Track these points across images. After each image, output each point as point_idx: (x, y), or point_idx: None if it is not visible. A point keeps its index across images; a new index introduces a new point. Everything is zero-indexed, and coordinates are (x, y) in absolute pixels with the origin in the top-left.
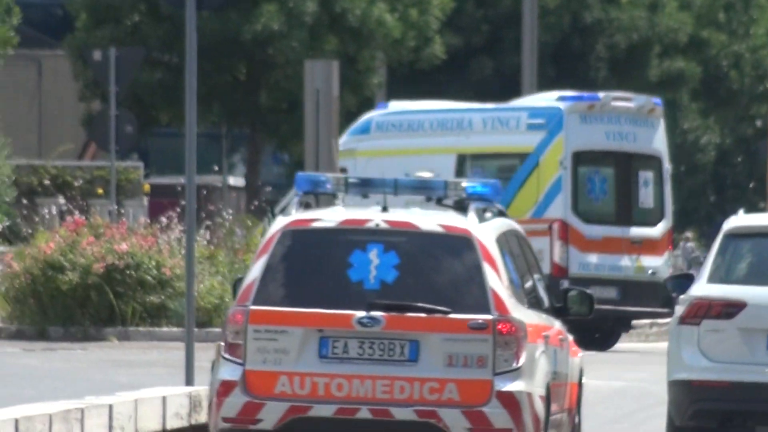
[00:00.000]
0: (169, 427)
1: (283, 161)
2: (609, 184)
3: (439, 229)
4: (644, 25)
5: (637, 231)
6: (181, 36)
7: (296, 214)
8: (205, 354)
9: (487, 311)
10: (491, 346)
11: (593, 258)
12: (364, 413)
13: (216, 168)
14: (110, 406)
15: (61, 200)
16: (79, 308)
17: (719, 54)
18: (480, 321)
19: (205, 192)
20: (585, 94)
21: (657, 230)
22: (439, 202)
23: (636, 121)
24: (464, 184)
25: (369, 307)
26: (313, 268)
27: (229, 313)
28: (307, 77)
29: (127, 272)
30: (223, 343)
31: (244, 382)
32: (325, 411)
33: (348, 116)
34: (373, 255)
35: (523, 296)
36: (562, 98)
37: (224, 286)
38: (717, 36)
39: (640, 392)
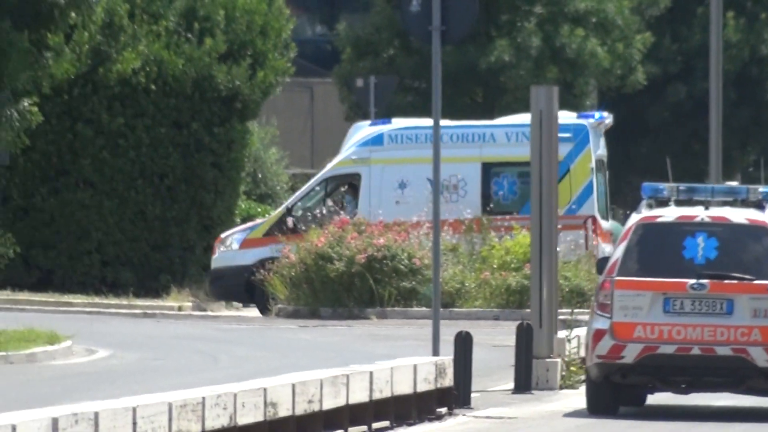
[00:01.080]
0: (419, 390)
1: None
2: (605, 186)
3: (745, 222)
4: None
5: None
6: (428, 66)
7: (645, 212)
8: (448, 330)
9: None
10: None
11: (607, 247)
12: (695, 350)
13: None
14: (371, 373)
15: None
16: (345, 292)
17: None
18: None
19: None
20: (595, 113)
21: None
22: (743, 202)
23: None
24: (761, 189)
25: (698, 277)
26: (658, 250)
27: (600, 282)
28: (532, 100)
29: (384, 262)
30: (595, 304)
31: (612, 330)
32: (668, 349)
33: None
34: (700, 240)
35: None
36: (583, 116)
37: (464, 274)
38: None
39: None
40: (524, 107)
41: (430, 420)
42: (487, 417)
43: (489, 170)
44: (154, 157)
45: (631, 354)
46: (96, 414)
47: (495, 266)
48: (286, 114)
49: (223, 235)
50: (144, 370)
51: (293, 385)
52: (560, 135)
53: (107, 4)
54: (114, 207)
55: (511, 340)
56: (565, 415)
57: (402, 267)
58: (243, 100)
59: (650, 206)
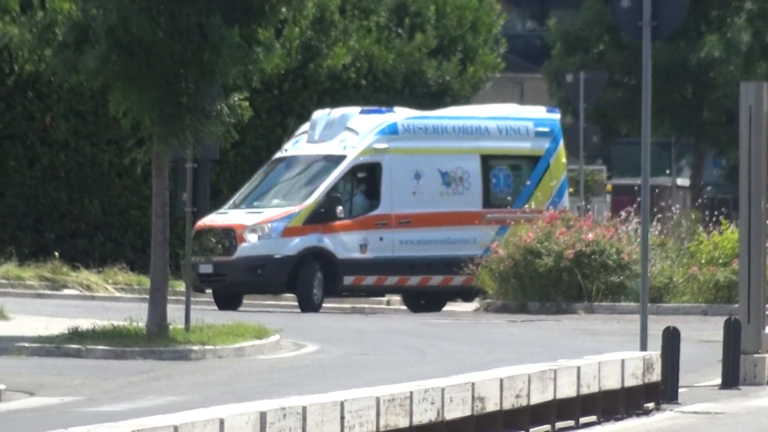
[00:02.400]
0: (626, 385)
1: (722, 165)
2: None
3: None
4: None
5: None
6: (639, 61)
7: None
8: (656, 325)
9: None
10: None
11: None
12: None
13: (667, 171)
14: (578, 368)
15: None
16: (553, 287)
17: None
18: None
19: (656, 191)
20: (556, 108)
21: None
22: None
23: None
24: None
25: None
26: None
27: None
28: (741, 96)
29: (593, 257)
30: None
31: None
32: None
33: None
34: None
35: None
36: (551, 110)
37: (672, 269)
38: None
39: None
40: (733, 103)
41: (638, 415)
42: (695, 412)
43: (487, 163)
44: None
45: None
46: (304, 408)
47: (703, 261)
48: None
49: (248, 223)
50: (351, 364)
51: (501, 380)
52: (541, 130)
53: None
54: None
55: (719, 336)
56: None
57: (610, 262)
58: (453, 95)
59: None
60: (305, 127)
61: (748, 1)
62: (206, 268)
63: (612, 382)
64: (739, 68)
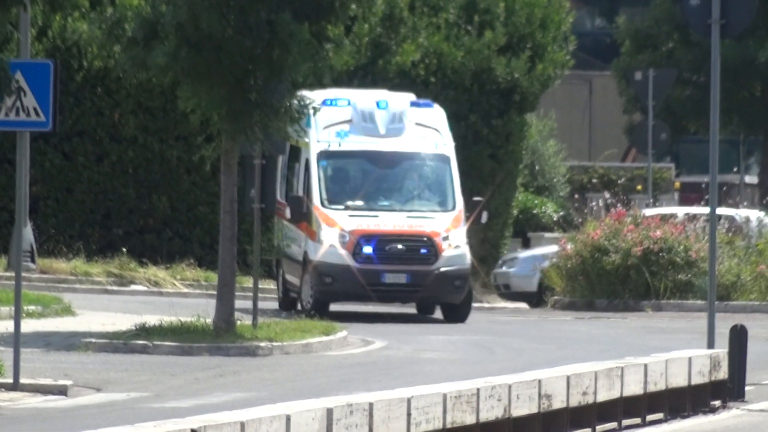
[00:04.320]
0: (693, 382)
1: None
2: None
3: None
4: None
5: None
6: (708, 59)
7: None
8: (723, 323)
9: None
10: None
11: None
12: None
13: (735, 169)
14: (645, 365)
15: (607, 195)
16: (621, 284)
17: None
18: None
19: (725, 188)
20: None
21: None
22: None
23: None
24: None
25: None
26: None
27: None
28: None
29: (660, 254)
30: None
31: None
32: None
33: None
34: None
35: None
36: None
37: (740, 267)
38: None
39: None
40: None
41: (704, 413)
42: (762, 410)
43: None
44: None
45: None
46: (370, 405)
47: None
48: (565, 106)
49: (439, 229)
50: (419, 361)
51: (568, 377)
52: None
53: None
54: None
55: None
56: None
57: (678, 260)
58: (522, 92)
59: None
60: (339, 116)
61: None
62: (397, 278)
63: (679, 380)
64: None
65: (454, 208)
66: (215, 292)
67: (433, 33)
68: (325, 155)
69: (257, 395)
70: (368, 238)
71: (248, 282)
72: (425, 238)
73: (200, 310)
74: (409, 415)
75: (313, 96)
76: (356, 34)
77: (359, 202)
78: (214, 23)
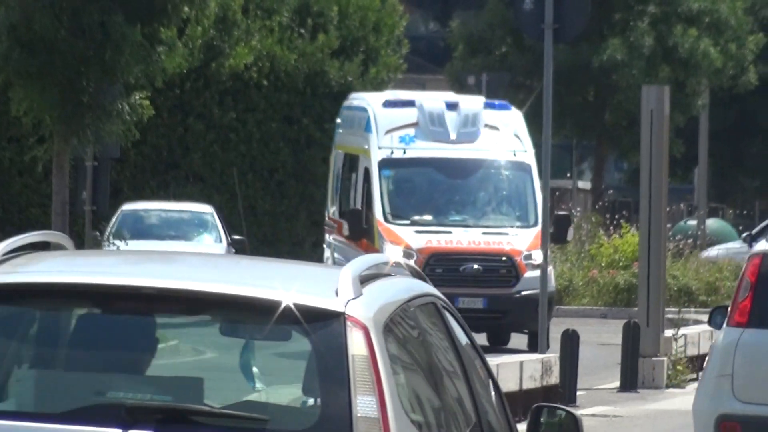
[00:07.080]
0: (524, 387)
1: (623, 168)
2: None
3: None
4: None
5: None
6: (541, 63)
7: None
8: (555, 327)
9: None
10: None
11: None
12: None
13: (568, 174)
14: None
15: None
16: None
17: None
18: None
19: (557, 193)
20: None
21: None
22: None
23: None
24: None
25: None
26: None
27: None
28: (643, 99)
29: None
30: None
31: None
32: None
33: (677, 132)
34: None
35: None
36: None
37: (572, 271)
38: None
39: None
40: (635, 106)
41: None
42: (593, 415)
43: None
44: (265, 152)
45: None
46: None
47: (603, 264)
48: None
49: (521, 248)
50: None
51: None
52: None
53: None
54: (224, 201)
55: (618, 339)
56: (670, 414)
57: None
58: None
59: None
60: (403, 118)
61: (651, 5)
62: (473, 303)
63: (510, 384)
64: (642, 72)
65: (536, 223)
66: None
67: (266, 36)
68: (387, 163)
69: None
70: (439, 257)
71: None
72: (504, 258)
73: None
74: None
75: (375, 97)
76: (189, 37)
77: (428, 217)
78: (47, 25)
